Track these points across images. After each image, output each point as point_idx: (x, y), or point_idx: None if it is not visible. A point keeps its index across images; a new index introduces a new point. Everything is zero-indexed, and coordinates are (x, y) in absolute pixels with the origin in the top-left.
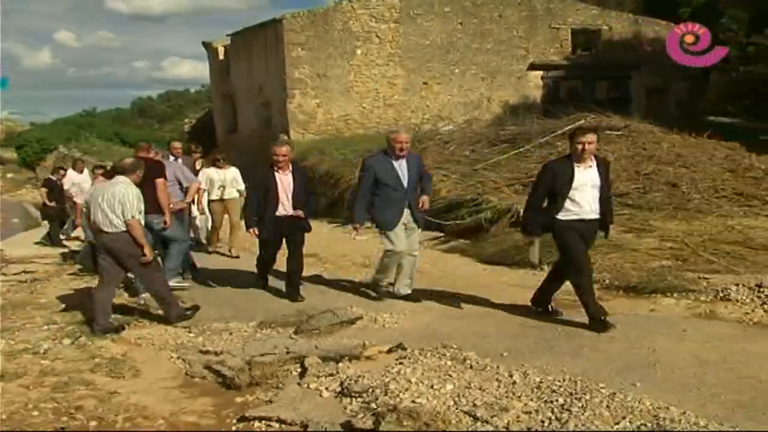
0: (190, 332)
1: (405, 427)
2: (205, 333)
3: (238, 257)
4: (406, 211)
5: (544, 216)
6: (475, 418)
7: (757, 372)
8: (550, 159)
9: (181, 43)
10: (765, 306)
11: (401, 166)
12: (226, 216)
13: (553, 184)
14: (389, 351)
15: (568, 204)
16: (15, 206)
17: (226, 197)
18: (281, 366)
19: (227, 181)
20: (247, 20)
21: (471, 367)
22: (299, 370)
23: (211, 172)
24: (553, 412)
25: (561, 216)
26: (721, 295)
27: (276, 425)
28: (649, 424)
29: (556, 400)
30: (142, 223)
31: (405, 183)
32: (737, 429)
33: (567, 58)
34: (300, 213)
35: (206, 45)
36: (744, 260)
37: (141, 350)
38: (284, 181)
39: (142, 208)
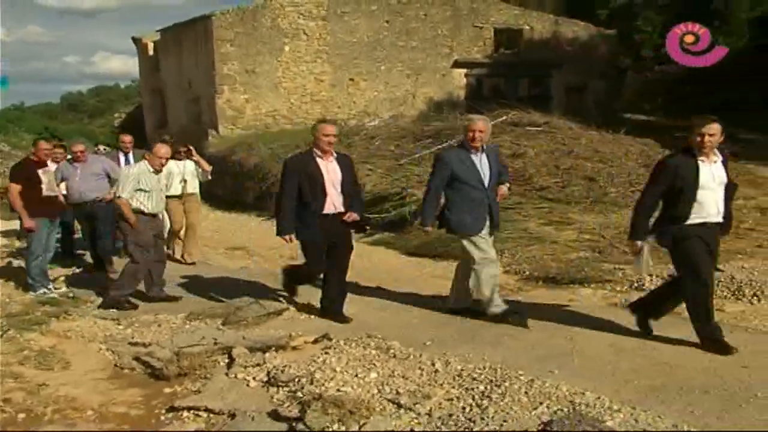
0: (119, 324)
1: (330, 415)
2: (134, 325)
3: (194, 264)
4: (486, 210)
5: (666, 223)
6: (399, 406)
7: (668, 358)
8: (667, 154)
9: (111, 38)
10: None
11: (481, 161)
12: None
13: (673, 183)
14: (315, 341)
15: (691, 207)
16: None
17: (188, 191)
18: (209, 357)
19: (188, 173)
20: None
21: (395, 356)
22: (227, 360)
23: (170, 164)
24: (473, 398)
25: (682, 221)
26: (636, 285)
27: (204, 415)
28: (566, 409)
29: (477, 388)
30: None
31: (486, 180)
32: (648, 411)
33: (490, 57)
34: (354, 215)
35: (136, 40)
36: (657, 251)
37: (70, 342)
38: (330, 169)
39: None
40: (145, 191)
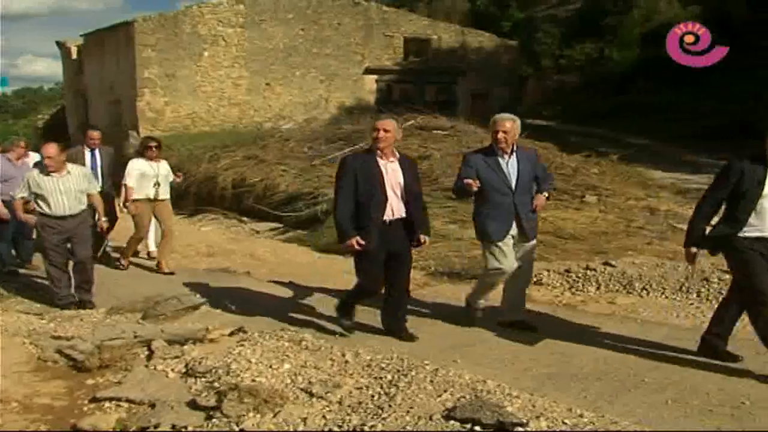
0: (42, 319)
1: (246, 404)
2: (56, 319)
3: (173, 273)
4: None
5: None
6: (311, 395)
7: (564, 348)
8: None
9: (37, 42)
10: (572, 289)
11: (510, 164)
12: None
13: (738, 188)
14: (231, 334)
15: (751, 216)
16: None
17: (160, 197)
18: (129, 349)
19: (161, 176)
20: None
21: (307, 347)
22: (147, 353)
23: (143, 164)
24: (382, 387)
25: (742, 232)
26: (535, 279)
27: (125, 404)
28: (468, 396)
29: (385, 377)
30: None
31: (514, 185)
32: (545, 396)
33: (399, 64)
34: (424, 238)
35: (60, 44)
36: (555, 248)
37: None
38: (390, 171)
39: None
40: (39, 194)
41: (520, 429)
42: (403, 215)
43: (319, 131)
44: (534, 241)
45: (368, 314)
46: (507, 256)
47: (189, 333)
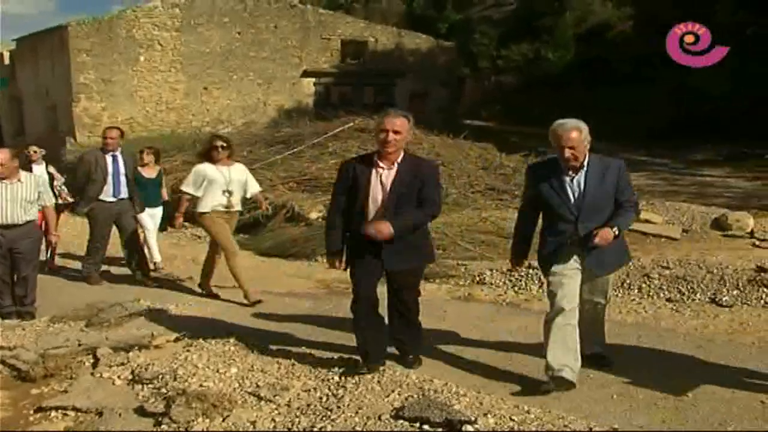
0: None
1: (194, 409)
2: None
3: (260, 301)
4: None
5: None
6: (259, 398)
7: (509, 347)
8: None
9: None
10: (515, 288)
11: (575, 183)
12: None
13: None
14: (176, 340)
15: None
16: None
17: (233, 208)
18: (74, 358)
19: (234, 183)
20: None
21: (253, 351)
22: (92, 360)
23: (209, 169)
24: (329, 389)
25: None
26: (478, 279)
27: (72, 413)
28: (416, 395)
29: (332, 378)
30: None
31: (576, 209)
32: (492, 394)
33: (337, 67)
34: (380, 227)
35: None
36: (497, 248)
37: None
38: (381, 180)
39: None
40: None
41: (469, 427)
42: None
43: (258, 135)
44: (608, 276)
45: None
46: (564, 289)
47: (134, 339)
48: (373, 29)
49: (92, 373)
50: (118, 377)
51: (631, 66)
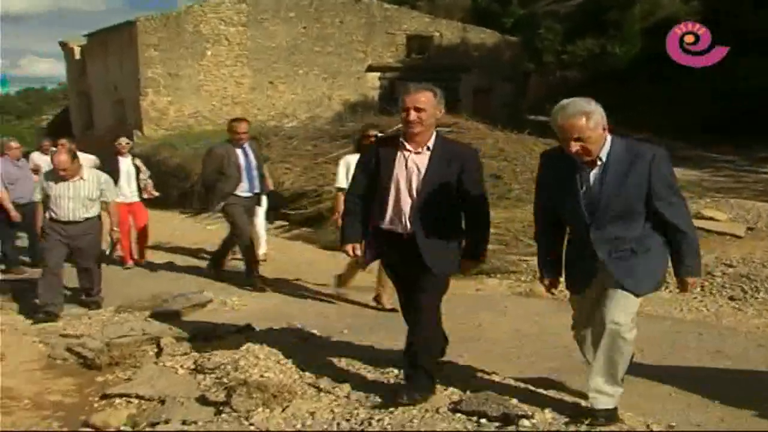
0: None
1: (255, 399)
2: (65, 318)
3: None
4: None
5: None
6: (318, 389)
7: (568, 342)
8: None
9: (39, 42)
10: None
11: (592, 179)
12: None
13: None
14: (238, 331)
15: None
16: None
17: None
18: (138, 347)
19: None
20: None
21: (314, 344)
22: (155, 350)
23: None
24: (389, 381)
25: None
26: (539, 275)
27: (135, 401)
28: (474, 389)
29: (392, 372)
30: None
31: (589, 212)
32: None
33: (402, 61)
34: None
35: (63, 45)
36: None
37: (4, 335)
38: (408, 166)
39: None
40: (47, 198)
41: (526, 421)
42: (408, 228)
43: (322, 129)
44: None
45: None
46: (580, 309)
47: (197, 330)
48: (438, 24)
49: (155, 362)
50: (181, 366)
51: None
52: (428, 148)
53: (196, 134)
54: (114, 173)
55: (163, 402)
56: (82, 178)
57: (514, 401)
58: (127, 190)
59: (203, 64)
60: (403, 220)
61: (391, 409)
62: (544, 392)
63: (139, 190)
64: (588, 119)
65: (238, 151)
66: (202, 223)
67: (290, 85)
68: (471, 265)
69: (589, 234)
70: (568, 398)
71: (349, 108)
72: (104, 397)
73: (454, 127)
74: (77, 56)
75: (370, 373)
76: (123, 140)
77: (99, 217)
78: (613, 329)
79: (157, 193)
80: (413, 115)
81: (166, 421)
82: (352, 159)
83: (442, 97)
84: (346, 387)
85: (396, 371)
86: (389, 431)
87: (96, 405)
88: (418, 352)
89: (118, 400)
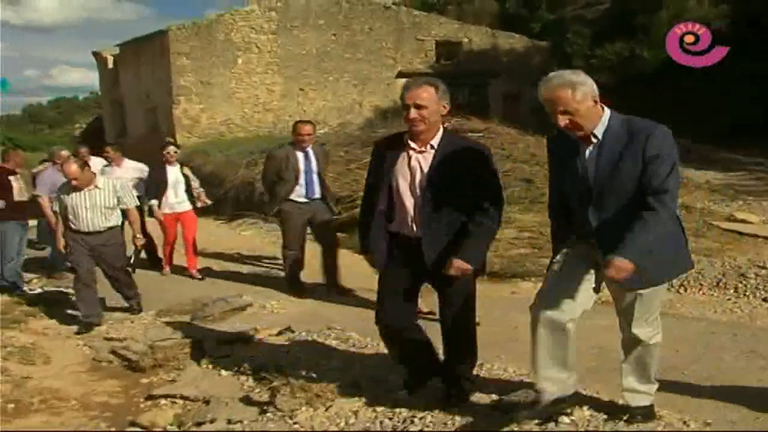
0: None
1: (298, 399)
2: (108, 322)
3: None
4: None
5: None
6: (360, 389)
7: (604, 343)
8: None
9: (70, 52)
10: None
11: (587, 157)
12: None
13: None
14: (279, 333)
15: None
16: None
17: None
18: (181, 349)
19: None
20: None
21: (353, 345)
22: (198, 352)
23: None
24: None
25: None
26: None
27: (180, 401)
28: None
29: None
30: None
31: (593, 191)
32: (587, 389)
33: (431, 67)
34: (461, 265)
35: (96, 54)
36: None
37: (48, 339)
38: (411, 166)
39: None
40: (66, 207)
41: (565, 418)
42: (414, 231)
43: (353, 135)
44: (641, 293)
45: None
46: (562, 295)
47: (238, 333)
48: (466, 30)
49: (198, 364)
50: (224, 368)
51: (727, 64)
52: (432, 147)
53: (229, 141)
54: (161, 182)
55: (207, 402)
56: (96, 186)
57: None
58: (174, 200)
59: (234, 71)
60: (409, 222)
61: (432, 408)
62: (582, 391)
63: (191, 199)
64: (574, 90)
65: (299, 154)
66: (237, 230)
67: (321, 91)
68: (458, 267)
69: (587, 216)
70: (605, 397)
71: (380, 114)
72: (149, 398)
73: (486, 132)
74: (110, 65)
75: None
76: (171, 149)
77: (121, 225)
78: (635, 340)
79: (210, 202)
80: (414, 112)
81: (212, 421)
82: None
83: (445, 91)
84: (387, 386)
85: None
86: (431, 430)
87: (142, 406)
88: (454, 357)
89: (163, 401)
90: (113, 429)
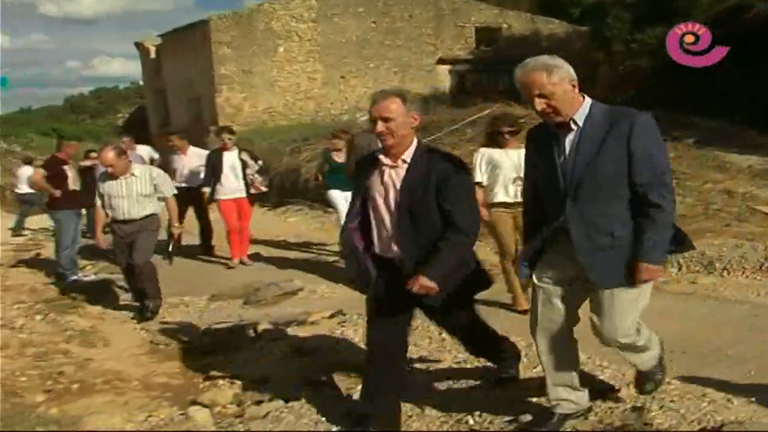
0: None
1: (353, 378)
2: (163, 306)
3: None
4: (570, 242)
5: None
6: (412, 369)
7: (648, 324)
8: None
9: (110, 42)
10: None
11: (567, 145)
12: None
13: None
14: (331, 316)
15: None
16: None
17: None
18: (236, 332)
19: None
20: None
21: None
22: (253, 334)
23: (494, 154)
24: (480, 361)
25: None
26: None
27: (238, 382)
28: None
29: None
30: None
31: (568, 183)
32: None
33: (472, 53)
34: (425, 283)
35: (138, 45)
36: None
37: (106, 323)
38: (384, 181)
39: None
40: (103, 195)
41: (612, 394)
42: (394, 251)
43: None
44: (615, 290)
45: None
46: (543, 303)
47: (291, 316)
48: (506, 15)
49: (254, 346)
50: (279, 350)
51: None
52: (404, 161)
53: (271, 129)
54: (217, 169)
55: (264, 382)
56: (133, 174)
57: (601, 377)
58: (233, 186)
59: (276, 60)
60: (387, 241)
61: (483, 387)
62: (630, 370)
63: (247, 186)
64: (549, 73)
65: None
66: (282, 217)
67: (362, 78)
68: (421, 284)
69: (564, 209)
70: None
71: (420, 101)
72: (208, 378)
73: (527, 118)
74: (152, 55)
75: (460, 353)
76: (226, 136)
77: (158, 215)
78: (620, 347)
79: (265, 189)
80: (381, 126)
81: (270, 399)
82: (487, 152)
83: (413, 101)
84: (439, 366)
85: None
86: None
87: (201, 386)
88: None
89: (221, 381)
90: (176, 407)
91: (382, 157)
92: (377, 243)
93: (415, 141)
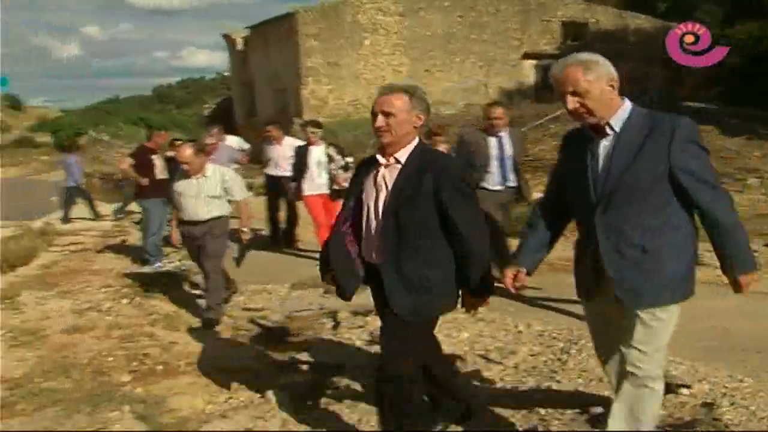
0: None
1: None
2: (246, 293)
3: None
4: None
5: None
6: (488, 360)
7: (724, 323)
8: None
9: (197, 34)
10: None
11: (601, 152)
12: None
13: None
14: None
15: None
16: (52, 185)
17: None
18: (317, 320)
19: None
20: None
21: (482, 319)
22: (333, 323)
23: None
24: (554, 354)
25: None
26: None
27: (317, 367)
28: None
29: (557, 345)
30: None
31: (595, 191)
32: (707, 365)
33: (558, 48)
34: (477, 304)
35: (226, 37)
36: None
37: (189, 308)
38: (380, 182)
39: None
40: (176, 194)
41: (685, 390)
42: (373, 257)
43: (479, 116)
44: (644, 311)
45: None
46: (595, 328)
47: (371, 305)
48: (593, 10)
49: (333, 334)
50: (358, 338)
51: None
52: (398, 161)
53: (356, 121)
54: (304, 164)
55: (342, 368)
56: (204, 174)
57: (674, 372)
58: (318, 180)
59: (361, 53)
60: (371, 246)
61: (557, 378)
62: (703, 367)
63: (331, 181)
64: (586, 70)
65: (492, 140)
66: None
67: (446, 72)
68: (475, 302)
69: (593, 218)
70: (723, 372)
71: (505, 95)
72: (287, 363)
73: None
74: (239, 47)
75: (536, 346)
76: (310, 129)
77: (227, 218)
78: (632, 375)
79: (347, 185)
80: (380, 120)
81: (347, 386)
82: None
83: (422, 100)
84: (514, 358)
85: (561, 345)
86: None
87: (280, 370)
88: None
89: (302, 366)
90: (256, 390)
91: (378, 155)
92: (363, 247)
93: (415, 142)
